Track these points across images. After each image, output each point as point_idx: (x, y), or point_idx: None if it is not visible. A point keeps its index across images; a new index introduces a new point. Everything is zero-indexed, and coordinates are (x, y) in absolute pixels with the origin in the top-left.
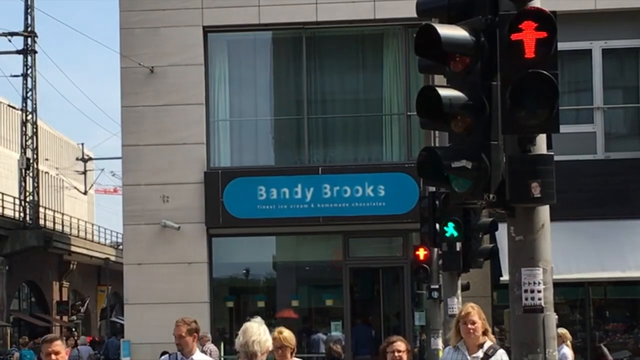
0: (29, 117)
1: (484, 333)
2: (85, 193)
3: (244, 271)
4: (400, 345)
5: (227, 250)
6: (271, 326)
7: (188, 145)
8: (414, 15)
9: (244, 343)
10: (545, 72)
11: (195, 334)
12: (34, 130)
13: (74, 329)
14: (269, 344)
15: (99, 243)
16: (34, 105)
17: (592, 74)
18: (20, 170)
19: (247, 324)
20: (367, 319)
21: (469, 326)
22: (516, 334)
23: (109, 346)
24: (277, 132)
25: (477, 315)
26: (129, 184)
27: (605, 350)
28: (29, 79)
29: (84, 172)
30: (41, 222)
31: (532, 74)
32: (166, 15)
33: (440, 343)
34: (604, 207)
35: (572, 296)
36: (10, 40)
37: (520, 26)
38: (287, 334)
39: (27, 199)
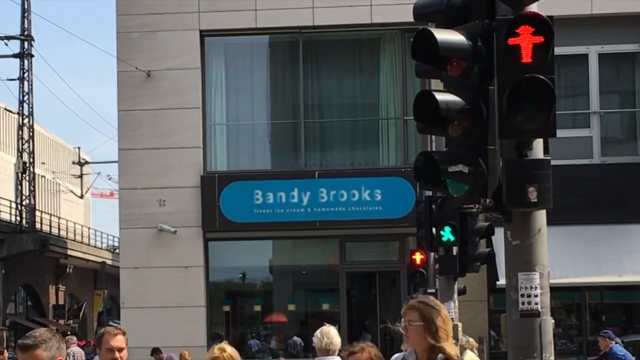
0: (26, 120)
1: (436, 338)
2: (81, 197)
3: (241, 275)
4: (362, 356)
5: (224, 254)
6: (267, 330)
7: (185, 149)
8: (411, 19)
9: (330, 342)
10: (542, 76)
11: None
12: (31, 134)
13: (69, 333)
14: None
15: (95, 247)
16: (31, 109)
17: (588, 78)
18: (17, 173)
19: (328, 329)
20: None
21: (404, 325)
22: (513, 339)
23: None
24: (273, 136)
25: (418, 313)
26: (126, 187)
27: None
28: (26, 83)
29: (81, 176)
30: (37, 225)
31: (529, 79)
32: (163, 19)
33: None
34: (601, 212)
35: (569, 300)
36: (7, 44)
37: (517, 31)
38: (230, 351)
39: (24, 203)
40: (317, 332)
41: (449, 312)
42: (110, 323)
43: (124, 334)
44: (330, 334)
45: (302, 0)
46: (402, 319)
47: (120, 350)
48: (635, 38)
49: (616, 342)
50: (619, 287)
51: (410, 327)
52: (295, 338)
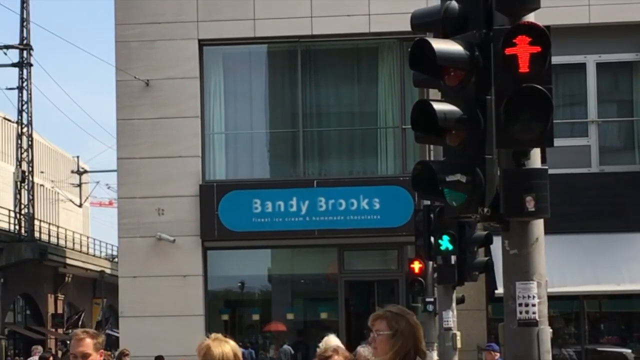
0: (25, 129)
1: (404, 346)
2: (80, 206)
3: (239, 284)
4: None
5: (222, 263)
6: (266, 339)
7: (183, 158)
8: (409, 28)
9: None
10: (539, 86)
11: (103, 351)
12: (30, 142)
13: (68, 342)
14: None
15: (94, 256)
16: (30, 118)
17: (586, 87)
18: (16, 182)
19: (331, 338)
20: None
21: (372, 335)
22: (511, 348)
23: None
24: (272, 145)
25: (385, 322)
26: (125, 196)
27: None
28: (25, 92)
29: (79, 185)
30: (36, 234)
31: (526, 88)
32: (162, 29)
33: (435, 356)
34: (599, 221)
35: (567, 309)
36: (6, 53)
37: (514, 40)
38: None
39: (23, 212)
40: (322, 343)
41: (447, 322)
42: (109, 332)
43: (93, 337)
44: (333, 343)
45: (301, 9)
46: (371, 330)
47: (85, 356)
48: (633, 47)
49: (501, 356)
50: (618, 296)
51: (377, 338)
52: (285, 346)
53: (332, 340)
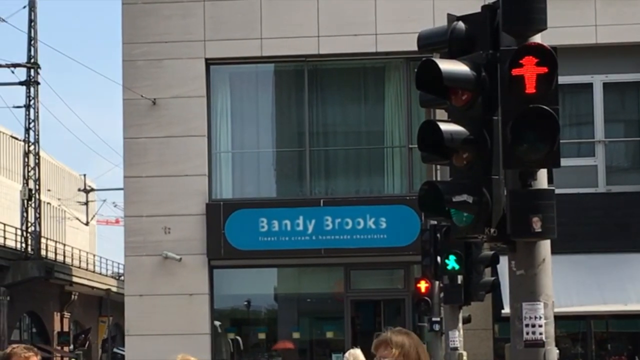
0: (31, 148)
1: None
2: (87, 224)
3: (245, 303)
4: None
5: (229, 281)
6: (272, 358)
7: (190, 177)
8: (416, 48)
9: None
10: (546, 107)
11: None
12: (36, 161)
13: None
14: None
15: (100, 274)
16: (36, 136)
17: (593, 107)
18: (22, 201)
19: (356, 351)
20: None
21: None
22: None
23: None
24: (278, 164)
25: (389, 348)
26: (131, 215)
27: None
28: (32, 110)
29: (86, 203)
30: (43, 252)
31: (533, 109)
32: (169, 48)
33: None
34: (606, 241)
35: (574, 329)
36: (13, 72)
37: (521, 61)
38: None
39: (29, 230)
40: (347, 354)
41: (453, 341)
42: (115, 350)
43: (36, 355)
44: (358, 356)
45: (308, 29)
46: (374, 357)
47: None
48: (639, 67)
49: None
50: (624, 316)
51: None
52: None
53: (357, 353)
